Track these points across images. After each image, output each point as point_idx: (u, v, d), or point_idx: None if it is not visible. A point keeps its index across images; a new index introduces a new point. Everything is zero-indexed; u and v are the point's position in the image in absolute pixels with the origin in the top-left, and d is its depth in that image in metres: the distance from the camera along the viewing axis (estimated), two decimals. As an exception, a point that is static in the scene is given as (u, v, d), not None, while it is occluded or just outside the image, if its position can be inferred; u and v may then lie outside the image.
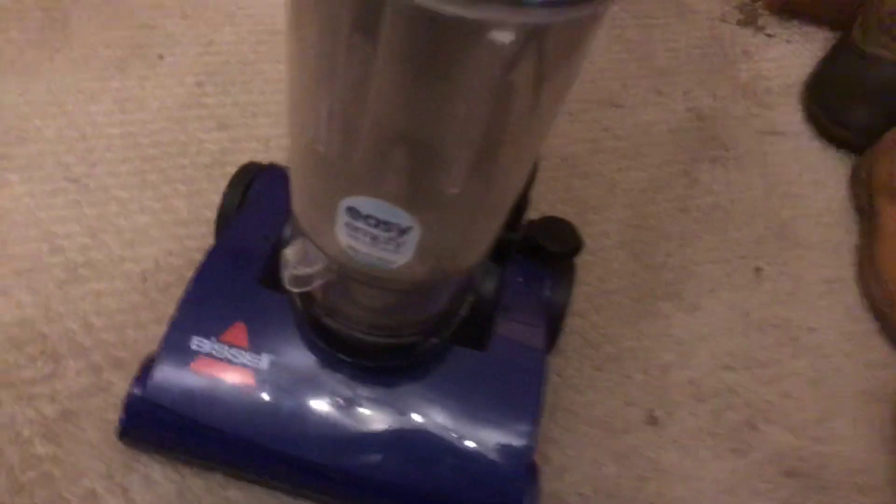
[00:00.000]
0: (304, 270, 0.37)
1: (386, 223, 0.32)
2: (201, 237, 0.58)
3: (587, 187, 0.68)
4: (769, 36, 0.87)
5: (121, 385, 0.49)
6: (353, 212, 0.33)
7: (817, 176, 0.73)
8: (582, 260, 0.56)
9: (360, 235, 0.34)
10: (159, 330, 0.52)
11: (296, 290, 0.38)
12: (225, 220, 0.52)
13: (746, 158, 0.73)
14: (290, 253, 0.38)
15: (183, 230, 0.58)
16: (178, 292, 0.54)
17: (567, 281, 0.51)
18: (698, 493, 0.51)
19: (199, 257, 0.57)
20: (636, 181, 0.69)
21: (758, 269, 0.64)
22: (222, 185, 0.61)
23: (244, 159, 0.63)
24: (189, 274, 0.56)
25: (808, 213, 0.70)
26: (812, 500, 0.52)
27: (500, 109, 0.27)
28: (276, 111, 0.67)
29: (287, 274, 0.38)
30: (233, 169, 0.62)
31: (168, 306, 0.54)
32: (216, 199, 0.60)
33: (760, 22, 0.88)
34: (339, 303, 0.42)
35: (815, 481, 0.53)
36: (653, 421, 0.54)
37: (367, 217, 0.33)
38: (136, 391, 0.43)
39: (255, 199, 0.52)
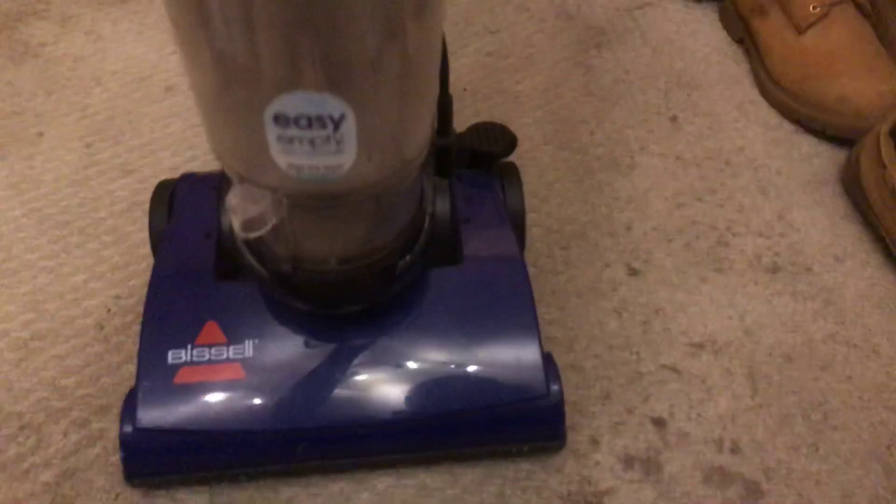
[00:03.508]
0: (252, 211, 0.35)
1: (319, 118, 0.31)
2: (143, 273, 0.56)
3: (494, 106, 0.69)
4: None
5: (113, 429, 0.47)
6: (281, 119, 0.31)
7: (691, 28, 0.77)
8: (516, 164, 0.57)
9: (297, 146, 0.32)
10: (132, 368, 0.50)
11: (250, 235, 0.36)
12: (158, 239, 0.50)
13: (626, 35, 0.76)
14: (232, 198, 0.36)
15: (123, 273, 0.56)
16: (137, 329, 0.52)
17: (515, 178, 0.51)
18: (702, 313, 0.52)
19: (148, 291, 0.55)
20: (536, 86, 0.71)
21: (673, 118, 0.67)
22: (146, 222, 0.60)
23: (159, 193, 0.63)
24: (144, 308, 0.54)
25: (696, 60, 0.73)
26: (803, 282, 0.54)
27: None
28: (172, 142, 0.66)
29: (237, 221, 0.36)
30: (151, 205, 0.62)
31: (132, 344, 0.52)
32: (144, 235, 0.59)
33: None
34: (303, 245, 0.40)
35: (797, 267, 0.55)
36: (634, 272, 0.55)
37: (297, 119, 0.31)
38: (127, 427, 0.41)
39: (182, 208, 0.51)
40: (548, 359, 0.43)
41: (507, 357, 0.42)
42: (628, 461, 0.44)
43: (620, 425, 0.46)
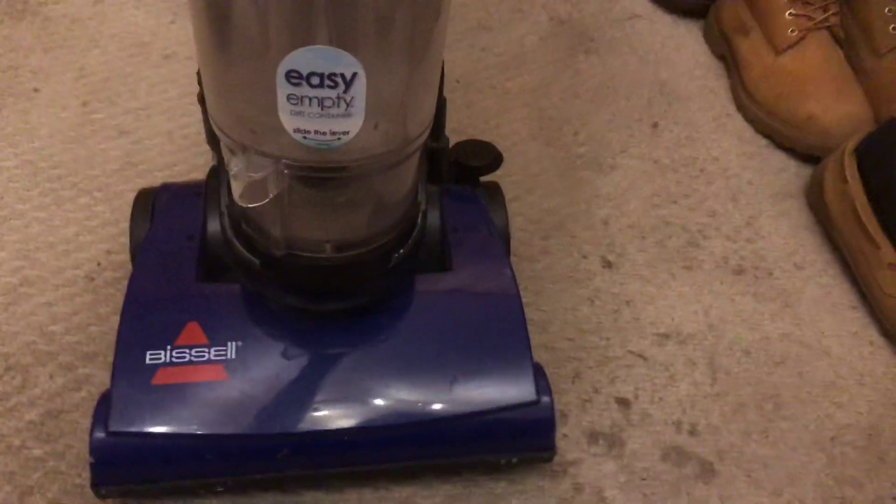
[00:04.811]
0: (255, 176, 0.35)
1: (331, 76, 0.31)
2: (134, 231, 0.57)
3: (485, 99, 0.72)
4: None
5: (99, 375, 0.48)
6: (293, 75, 0.32)
7: (677, 42, 0.80)
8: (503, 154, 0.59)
9: (307, 106, 0.32)
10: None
11: (251, 204, 0.35)
12: (139, 249, 0.48)
13: (614, 43, 0.79)
14: (234, 165, 0.35)
15: (114, 229, 0.57)
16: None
17: (499, 196, 0.51)
18: (670, 308, 0.55)
19: (138, 249, 0.56)
20: (526, 84, 0.74)
21: (654, 125, 0.70)
22: (138, 183, 0.61)
23: (152, 156, 0.64)
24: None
25: (680, 73, 0.77)
26: (764, 285, 0.57)
27: None
28: (168, 108, 0.68)
29: (238, 189, 0.35)
30: (144, 168, 0.63)
31: (121, 297, 0.53)
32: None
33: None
34: (298, 227, 0.39)
35: (760, 271, 0.58)
36: (608, 264, 0.58)
37: (309, 77, 0.31)
38: (100, 432, 0.38)
39: (163, 214, 0.48)
40: (538, 368, 0.43)
41: (496, 364, 0.42)
42: (593, 436, 0.47)
43: (588, 403, 0.49)
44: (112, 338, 0.49)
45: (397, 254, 0.41)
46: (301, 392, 0.41)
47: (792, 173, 0.66)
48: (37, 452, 0.44)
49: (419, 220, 0.44)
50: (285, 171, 0.35)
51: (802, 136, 0.66)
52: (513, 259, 0.57)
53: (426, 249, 0.45)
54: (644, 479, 0.45)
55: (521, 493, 0.44)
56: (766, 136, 0.69)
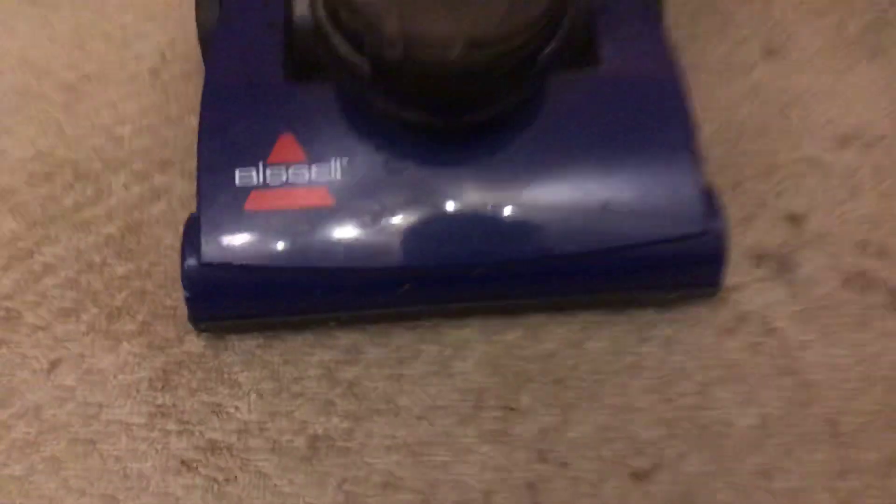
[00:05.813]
0: None
1: None
2: (200, 17, 0.49)
3: None
4: None
5: (177, 185, 0.42)
6: None
7: None
8: None
9: None
10: (194, 121, 0.44)
11: None
12: (209, 42, 0.40)
13: None
14: None
15: (177, 13, 0.48)
16: (199, 79, 0.46)
17: None
18: (850, 103, 0.45)
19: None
20: None
21: None
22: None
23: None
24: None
25: None
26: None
27: None
28: None
29: None
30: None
31: (193, 95, 0.46)
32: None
33: None
34: (421, 20, 0.30)
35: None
36: (772, 52, 0.47)
37: None
38: (192, 261, 0.34)
39: (232, 5, 0.40)
40: (707, 191, 0.35)
41: (655, 185, 0.34)
42: (759, 257, 0.40)
43: (751, 219, 0.41)
44: (187, 142, 0.43)
45: (543, 52, 0.33)
46: (421, 220, 0.34)
47: None
48: (120, 270, 0.39)
49: (566, 7, 0.33)
50: None
51: None
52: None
53: (570, 41, 0.35)
54: (822, 308, 0.38)
55: (672, 321, 0.38)
56: None
